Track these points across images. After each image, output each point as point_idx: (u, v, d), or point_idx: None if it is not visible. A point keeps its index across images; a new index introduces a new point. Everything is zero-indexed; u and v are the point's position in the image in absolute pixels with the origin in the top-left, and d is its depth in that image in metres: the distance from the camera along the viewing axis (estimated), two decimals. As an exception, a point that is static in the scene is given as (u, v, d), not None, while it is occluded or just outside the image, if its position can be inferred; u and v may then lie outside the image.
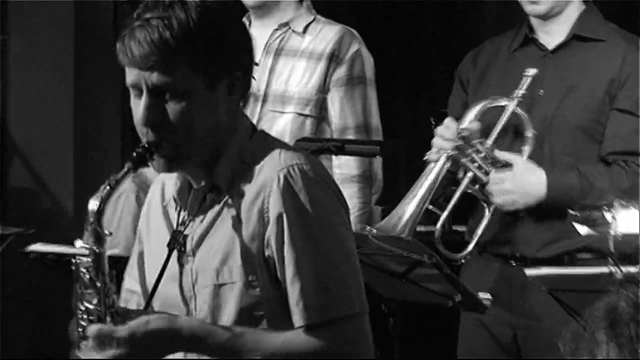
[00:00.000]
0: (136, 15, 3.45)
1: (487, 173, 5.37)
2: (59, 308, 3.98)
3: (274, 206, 3.50)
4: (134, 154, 3.47)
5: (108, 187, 3.48)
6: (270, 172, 3.54)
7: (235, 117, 3.67)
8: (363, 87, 5.82)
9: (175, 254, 3.65)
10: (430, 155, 5.39)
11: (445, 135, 5.36)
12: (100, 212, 3.47)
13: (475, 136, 5.36)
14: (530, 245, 5.43)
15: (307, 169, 3.57)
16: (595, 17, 5.64)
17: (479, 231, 5.54)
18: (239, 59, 3.62)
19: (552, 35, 5.62)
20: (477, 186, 5.38)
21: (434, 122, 5.47)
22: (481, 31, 7.97)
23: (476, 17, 8.67)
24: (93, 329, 3.46)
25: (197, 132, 3.54)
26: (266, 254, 3.53)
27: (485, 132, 5.42)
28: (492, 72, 5.75)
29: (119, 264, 3.98)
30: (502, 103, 5.46)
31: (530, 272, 4.90)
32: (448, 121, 5.41)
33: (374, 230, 5.16)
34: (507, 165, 5.36)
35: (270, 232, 3.51)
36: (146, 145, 3.49)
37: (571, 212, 5.15)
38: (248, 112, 5.31)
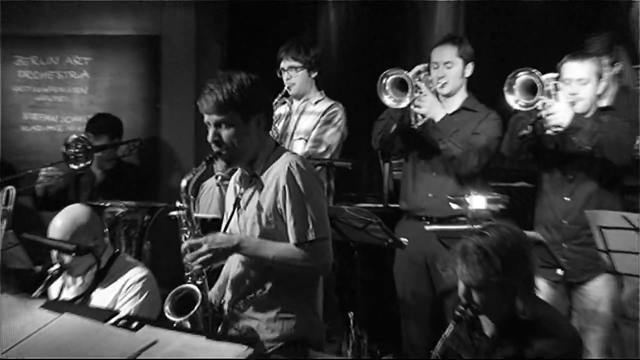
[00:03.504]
0: (207, 85, 3.75)
1: None
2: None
3: (282, 182, 3.74)
4: (207, 159, 3.81)
5: (192, 174, 3.81)
6: (282, 165, 3.77)
7: (263, 138, 3.87)
8: (331, 127, 5.66)
9: (235, 209, 3.90)
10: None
11: None
12: (187, 186, 3.80)
13: None
14: (434, 210, 5.38)
15: (300, 163, 3.79)
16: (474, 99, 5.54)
17: None
18: (261, 107, 3.82)
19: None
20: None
21: None
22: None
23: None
24: (185, 244, 3.78)
25: (238, 145, 3.76)
26: (278, 207, 3.76)
27: None
28: None
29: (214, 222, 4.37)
30: None
31: (428, 227, 5.20)
32: None
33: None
34: None
35: (280, 195, 3.75)
36: (214, 154, 3.79)
37: (449, 197, 5.15)
38: (285, 142, 5.66)
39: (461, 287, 3.67)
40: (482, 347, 3.74)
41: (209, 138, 3.78)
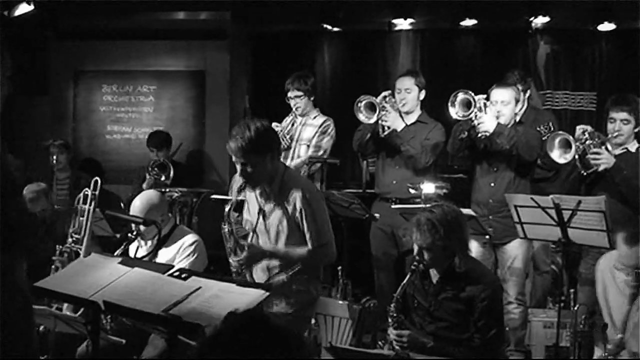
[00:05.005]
0: (233, 132, 3.54)
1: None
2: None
3: (298, 205, 3.59)
4: (239, 189, 3.62)
5: (231, 204, 3.67)
6: (297, 193, 3.61)
7: (276, 165, 3.66)
8: (326, 136, 5.64)
9: (260, 216, 3.72)
10: None
11: None
12: (229, 213, 3.66)
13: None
14: (397, 193, 5.28)
15: (311, 191, 3.70)
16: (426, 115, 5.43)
17: None
18: (272, 145, 3.65)
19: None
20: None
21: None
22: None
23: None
24: (235, 259, 3.64)
25: (260, 176, 3.58)
26: (296, 221, 3.62)
27: None
28: None
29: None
30: None
31: (393, 206, 5.14)
32: None
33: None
34: None
35: (298, 214, 3.61)
36: (243, 183, 3.58)
37: (408, 184, 5.11)
38: (293, 145, 5.65)
39: (415, 248, 3.65)
40: (430, 291, 3.72)
41: (238, 173, 3.62)
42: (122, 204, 6.21)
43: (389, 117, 5.23)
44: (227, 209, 3.67)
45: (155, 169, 6.38)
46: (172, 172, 6.39)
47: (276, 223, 3.68)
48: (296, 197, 3.61)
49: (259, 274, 3.76)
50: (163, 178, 6.33)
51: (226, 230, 3.65)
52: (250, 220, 3.79)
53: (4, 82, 7.04)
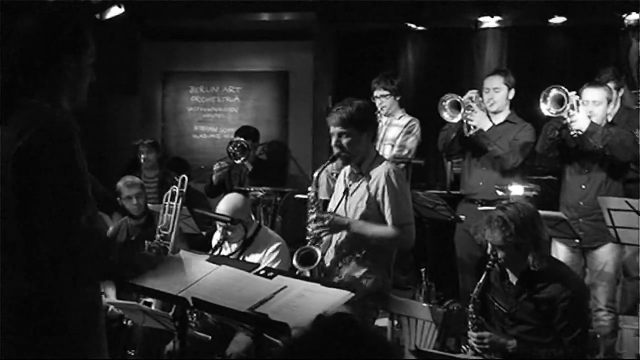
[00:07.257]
0: (335, 105, 3.75)
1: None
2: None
3: (382, 182, 3.68)
4: (330, 157, 3.81)
5: (321, 168, 3.82)
6: (382, 170, 3.72)
7: (369, 147, 3.79)
8: (411, 136, 5.55)
9: (344, 197, 3.82)
10: None
11: None
12: (318, 176, 3.79)
13: None
14: (484, 195, 5.14)
15: (395, 170, 3.77)
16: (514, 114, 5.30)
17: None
18: (370, 124, 3.79)
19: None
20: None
21: None
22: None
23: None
24: (314, 216, 3.73)
25: (353, 150, 3.71)
26: (377, 198, 3.70)
27: None
28: None
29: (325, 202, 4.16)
30: None
31: (479, 208, 5.00)
32: None
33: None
34: None
35: (380, 191, 3.69)
36: (336, 154, 3.75)
37: (495, 185, 5.00)
38: (377, 145, 5.41)
39: (489, 246, 3.61)
40: (510, 292, 3.65)
41: (333, 143, 3.74)
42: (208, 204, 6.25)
43: (475, 117, 5.15)
44: (316, 174, 3.77)
45: (237, 146, 6.24)
46: (249, 157, 6.26)
47: (357, 200, 3.75)
48: (381, 174, 3.70)
49: (329, 254, 3.78)
50: (238, 160, 6.18)
51: (312, 194, 3.75)
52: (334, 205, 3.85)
53: (96, 83, 7.25)
